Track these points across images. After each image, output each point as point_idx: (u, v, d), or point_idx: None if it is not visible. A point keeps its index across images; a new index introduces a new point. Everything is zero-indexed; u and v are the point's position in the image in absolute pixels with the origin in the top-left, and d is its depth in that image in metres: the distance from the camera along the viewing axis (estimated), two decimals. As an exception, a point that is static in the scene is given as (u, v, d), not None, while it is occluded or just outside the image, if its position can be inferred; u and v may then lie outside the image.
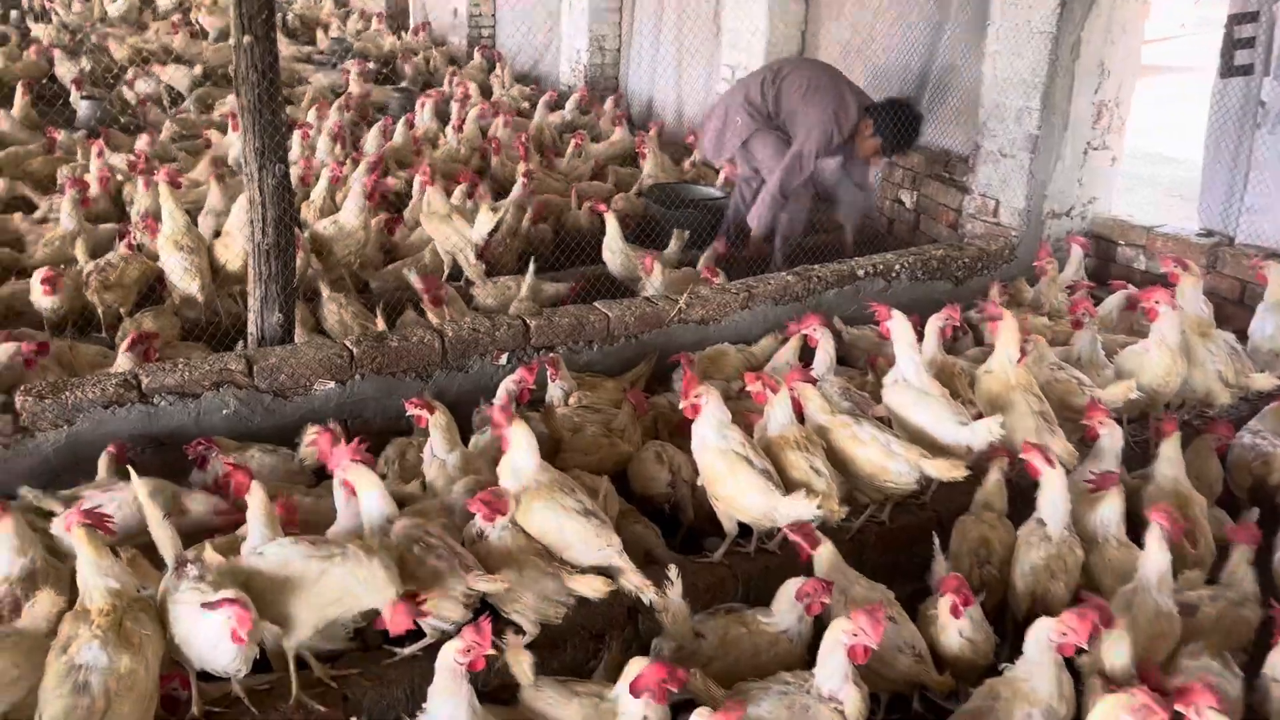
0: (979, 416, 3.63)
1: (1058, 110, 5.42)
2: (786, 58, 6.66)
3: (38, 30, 10.77)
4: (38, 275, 4.69)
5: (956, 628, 2.95)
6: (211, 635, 2.45)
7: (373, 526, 2.92)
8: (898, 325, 3.72)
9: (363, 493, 2.93)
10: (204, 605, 2.43)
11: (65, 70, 9.18)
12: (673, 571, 2.91)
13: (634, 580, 2.95)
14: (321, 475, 3.62)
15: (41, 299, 4.68)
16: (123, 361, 4.04)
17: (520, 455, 3.12)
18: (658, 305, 4.65)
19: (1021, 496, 3.49)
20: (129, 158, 6.55)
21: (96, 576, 2.52)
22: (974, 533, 3.42)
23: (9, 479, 3.35)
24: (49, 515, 3.35)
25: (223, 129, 7.60)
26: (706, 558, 3.43)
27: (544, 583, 2.94)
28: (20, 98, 7.60)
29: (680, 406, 3.39)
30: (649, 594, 2.91)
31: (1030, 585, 3.21)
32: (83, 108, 8.03)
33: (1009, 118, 5.57)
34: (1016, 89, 5.49)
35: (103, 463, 3.39)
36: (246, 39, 3.54)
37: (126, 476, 3.20)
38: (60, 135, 7.01)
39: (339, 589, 2.66)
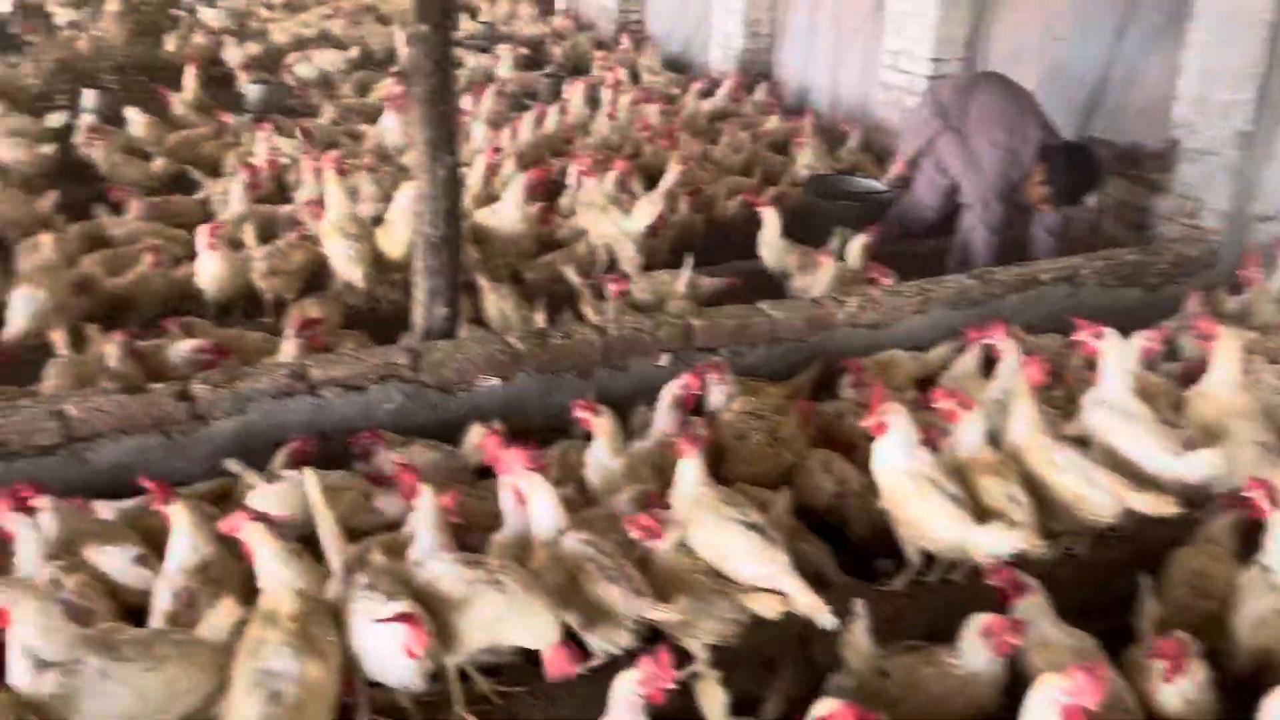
0: (1190, 444, 3.30)
1: (1273, 104, 4.93)
2: (984, 72, 6.25)
3: (206, 14, 11.16)
4: (202, 242, 4.75)
5: (1178, 687, 2.66)
6: (387, 648, 2.38)
7: (543, 538, 2.82)
8: (1110, 345, 3.40)
9: (535, 502, 2.83)
10: (378, 620, 2.36)
11: (233, 54, 9.46)
12: (859, 604, 2.72)
13: (806, 601, 2.77)
14: (483, 474, 3.55)
15: (206, 261, 4.74)
16: (289, 347, 4.06)
17: (685, 485, 2.98)
18: (825, 306, 4.42)
19: (1250, 538, 3.14)
20: (295, 142, 6.65)
21: (283, 578, 2.48)
22: (1193, 563, 3.10)
23: (186, 466, 3.40)
24: (220, 501, 3.39)
25: (373, 116, 7.61)
26: (883, 584, 3.21)
27: (716, 602, 2.79)
28: (190, 81, 7.80)
29: (865, 423, 3.17)
30: (824, 617, 2.73)
31: (1255, 640, 2.88)
32: (252, 91, 8.22)
33: (1213, 112, 5.09)
34: (1224, 81, 5.01)
35: (280, 457, 3.39)
36: (423, 28, 3.47)
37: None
38: (232, 119, 7.18)
39: (490, 617, 2.57)
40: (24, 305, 4.24)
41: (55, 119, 7.06)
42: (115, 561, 2.96)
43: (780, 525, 3.10)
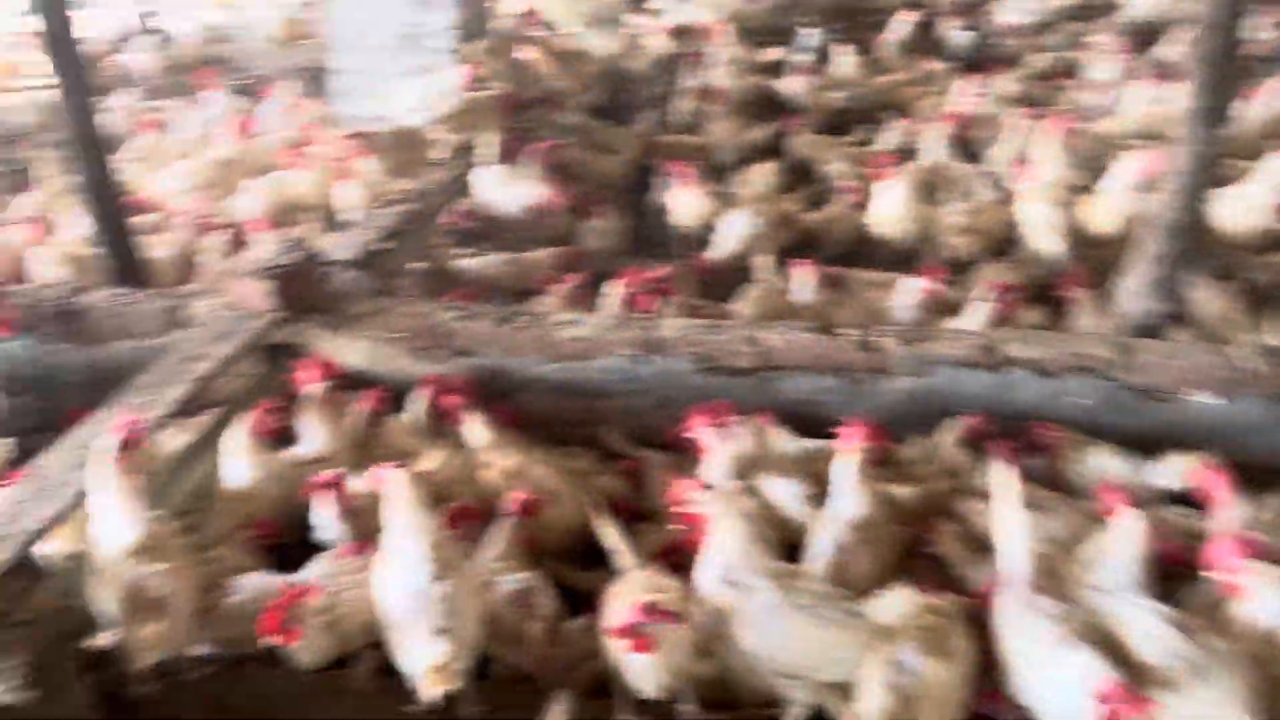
0: None
1: None
2: None
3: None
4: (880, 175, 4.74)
5: None
6: (1068, 693, 2.10)
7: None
8: None
9: (1260, 599, 2.31)
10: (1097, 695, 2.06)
11: (938, -2, 9.29)
12: None
13: None
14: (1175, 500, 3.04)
15: (883, 198, 4.70)
16: (978, 311, 3.86)
17: None
18: None
19: None
20: (997, 95, 6.29)
21: None
22: None
23: (865, 413, 3.35)
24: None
25: (1073, 73, 6.90)
26: None
27: None
28: (902, 26, 7.76)
29: None
30: None
31: None
32: (957, 37, 8.01)
33: None
34: None
35: (951, 432, 3.23)
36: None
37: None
38: (935, 66, 7.05)
39: (1188, 710, 2.13)
40: (737, 229, 4.56)
41: (773, 53, 7.52)
42: (785, 495, 3.04)
43: None
